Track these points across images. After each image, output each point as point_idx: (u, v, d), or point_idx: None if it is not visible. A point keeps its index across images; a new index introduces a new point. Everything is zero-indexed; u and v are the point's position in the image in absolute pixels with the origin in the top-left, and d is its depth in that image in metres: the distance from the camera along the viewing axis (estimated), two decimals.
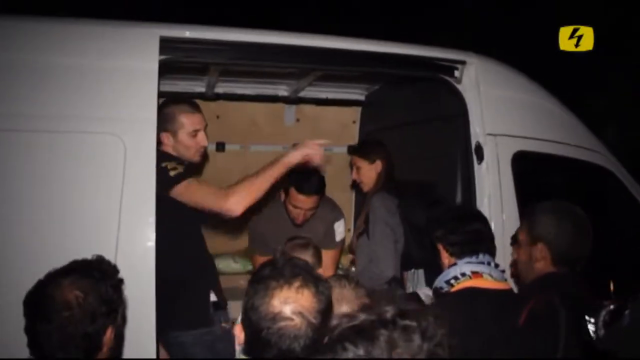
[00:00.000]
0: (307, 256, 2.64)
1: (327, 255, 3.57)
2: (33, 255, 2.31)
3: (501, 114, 3.18)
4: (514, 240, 2.49)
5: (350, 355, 1.08)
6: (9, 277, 2.24)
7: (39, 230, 2.34)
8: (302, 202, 3.36)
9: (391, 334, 1.09)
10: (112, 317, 1.68)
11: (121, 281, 1.76)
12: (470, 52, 3.20)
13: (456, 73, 3.13)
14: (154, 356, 2.40)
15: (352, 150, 3.35)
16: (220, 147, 4.45)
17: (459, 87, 3.13)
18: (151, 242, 2.44)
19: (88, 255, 2.31)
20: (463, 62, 3.13)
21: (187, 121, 2.80)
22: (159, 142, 2.78)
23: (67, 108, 2.44)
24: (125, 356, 2.34)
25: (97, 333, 1.64)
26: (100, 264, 1.76)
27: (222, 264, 4.42)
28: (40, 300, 1.63)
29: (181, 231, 2.73)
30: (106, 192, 2.41)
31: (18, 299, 2.14)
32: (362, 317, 1.15)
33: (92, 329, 1.62)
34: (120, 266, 2.33)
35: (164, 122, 2.75)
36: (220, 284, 3.05)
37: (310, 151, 2.67)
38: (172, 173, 2.62)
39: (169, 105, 2.83)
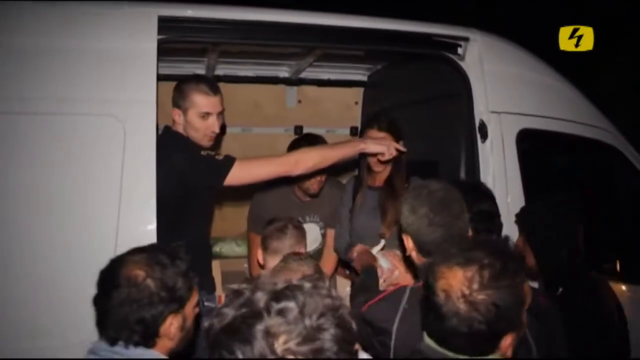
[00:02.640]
0: (285, 239, 2.58)
1: (330, 235, 3.62)
2: (32, 239, 2.30)
3: (505, 91, 3.13)
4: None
5: None
6: (7, 261, 2.25)
7: (38, 214, 2.33)
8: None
9: (267, 324, 0.98)
10: (173, 306, 1.62)
11: (191, 274, 1.70)
12: (474, 29, 3.15)
13: (459, 50, 3.08)
14: None
15: (387, 127, 3.16)
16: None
17: (462, 64, 3.08)
18: (152, 225, 2.42)
19: (88, 238, 2.34)
20: (466, 39, 3.08)
21: (199, 101, 2.66)
22: (173, 121, 2.76)
23: (64, 90, 2.41)
24: None
25: (154, 319, 1.58)
26: (174, 251, 1.70)
27: (225, 248, 4.42)
28: (105, 276, 1.62)
29: (181, 216, 2.69)
30: (106, 175, 2.39)
31: (15, 279, 2.15)
32: (230, 312, 1.02)
33: (149, 314, 1.57)
34: (120, 250, 2.35)
35: (177, 98, 2.70)
36: (210, 267, 3.05)
37: (387, 150, 2.82)
38: (219, 157, 2.61)
39: (186, 82, 2.73)
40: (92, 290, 2.30)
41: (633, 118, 8.34)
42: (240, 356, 0.96)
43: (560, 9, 9.97)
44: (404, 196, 2.10)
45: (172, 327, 1.63)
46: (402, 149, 2.87)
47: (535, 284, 2.64)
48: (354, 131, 4.75)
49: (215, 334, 1.01)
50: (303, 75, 4.24)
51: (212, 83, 2.77)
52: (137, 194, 2.41)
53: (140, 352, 1.58)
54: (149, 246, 1.70)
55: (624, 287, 3.20)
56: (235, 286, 1.09)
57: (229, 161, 2.58)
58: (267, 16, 2.74)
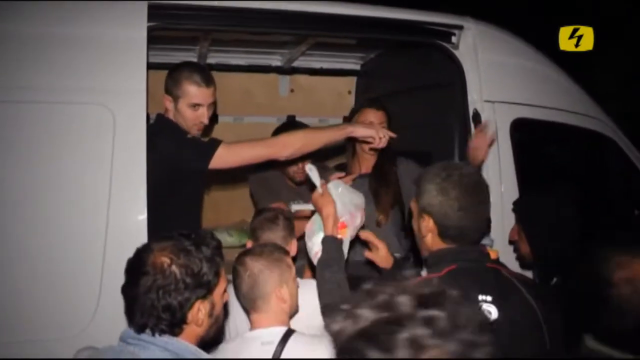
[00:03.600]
0: (277, 230, 2.54)
1: None
2: (21, 229, 2.27)
3: (499, 80, 3.11)
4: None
5: None
6: None
7: (27, 204, 2.29)
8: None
9: (413, 333, 0.84)
10: (199, 291, 1.61)
11: (217, 259, 1.68)
12: (468, 17, 3.12)
13: (453, 39, 3.06)
14: None
15: (383, 107, 3.15)
16: (214, 119, 4.37)
17: (456, 53, 3.06)
18: (143, 215, 2.39)
19: (78, 228, 2.32)
20: (460, 27, 3.05)
21: (191, 92, 2.63)
22: (160, 103, 2.73)
23: (53, 79, 2.37)
24: (120, 324, 2.33)
25: (181, 306, 1.57)
26: (199, 237, 1.69)
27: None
28: (132, 264, 1.61)
29: (171, 204, 2.66)
30: (95, 165, 2.36)
31: (3, 270, 2.12)
32: (368, 314, 0.89)
33: (176, 300, 1.56)
34: (110, 239, 2.33)
35: (170, 85, 2.67)
36: None
37: (375, 134, 2.73)
38: (205, 139, 2.62)
39: (180, 69, 2.68)
40: (83, 279, 2.31)
41: (627, 114, 8.38)
42: None
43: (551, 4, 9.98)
44: (428, 175, 1.91)
45: (200, 313, 1.62)
46: (392, 134, 2.79)
47: (529, 274, 2.64)
48: (347, 120, 4.72)
49: (349, 338, 0.88)
50: (296, 64, 4.21)
51: (206, 74, 2.72)
52: (127, 184, 2.38)
53: (167, 339, 1.58)
54: (175, 233, 1.69)
55: None
56: (367, 285, 0.97)
57: (215, 143, 2.56)
58: (258, 4, 2.70)
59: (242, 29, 2.92)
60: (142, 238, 2.36)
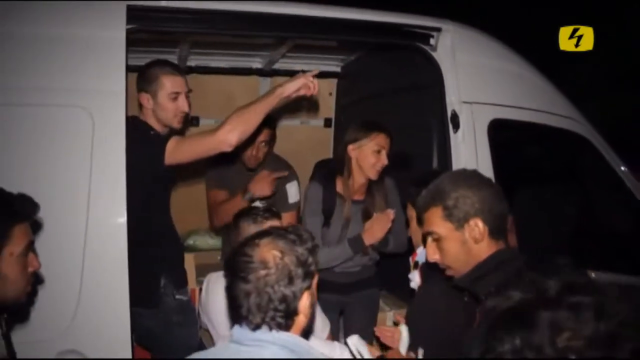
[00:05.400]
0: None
1: (284, 220, 3.36)
2: None
3: (477, 81, 3.15)
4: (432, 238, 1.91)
5: (506, 347, 0.90)
6: None
7: None
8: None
9: (555, 315, 0.90)
10: (307, 281, 1.63)
11: (316, 246, 1.71)
12: (446, 20, 3.15)
13: (431, 41, 3.08)
14: (128, 327, 2.37)
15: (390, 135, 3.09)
16: (195, 121, 4.38)
17: (435, 55, 3.09)
18: (122, 218, 2.39)
19: (57, 230, 2.30)
20: (439, 30, 3.08)
21: (167, 82, 2.70)
22: (139, 106, 2.76)
23: (31, 80, 2.36)
24: (100, 325, 2.33)
25: (295, 296, 1.59)
26: (295, 229, 1.72)
27: (199, 240, 4.39)
28: (239, 260, 1.61)
29: (147, 205, 2.66)
30: (74, 167, 2.35)
31: None
32: (518, 295, 0.95)
33: (290, 291, 1.58)
34: (90, 241, 2.33)
35: (144, 83, 2.71)
36: (182, 261, 3.03)
37: (305, 81, 2.61)
38: (162, 133, 2.66)
39: (150, 66, 2.76)
40: (64, 282, 2.30)
41: (605, 112, 8.52)
42: (518, 341, 0.89)
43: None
44: (448, 186, 1.84)
45: (307, 303, 1.65)
46: (314, 73, 2.70)
47: None
48: (327, 123, 4.75)
49: (498, 314, 0.95)
50: (277, 66, 4.23)
51: (174, 64, 2.86)
52: (106, 186, 2.38)
53: (285, 336, 1.59)
54: (272, 229, 1.73)
55: (593, 275, 3.25)
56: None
57: (166, 138, 2.59)
58: (238, 5, 2.71)
59: (222, 31, 2.92)
60: (122, 239, 2.36)
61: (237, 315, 1.61)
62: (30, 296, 2.05)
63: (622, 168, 3.62)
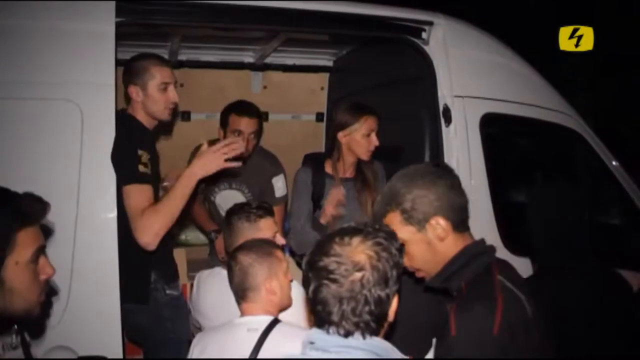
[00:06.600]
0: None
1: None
2: None
3: (469, 75, 3.15)
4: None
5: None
6: None
7: None
8: (244, 125, 3.28)
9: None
10: (398, 283, 1.53)
11: (403, 245, 1.60)
12: (438, 13, 3.15)
13: (423, 34, 3.08)
14: (119, 323, 2.36)
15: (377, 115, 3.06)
16: (186, 116, 4.35)
17: (426, 48, 3.08)
18: (112, 214, 2.38)
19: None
20: (430, 23, 3.08)
21: (157, 73, 2.66)
22: (128, 100, 2.72)
23: (20, 73, 2.34)
24: (90, 322, 2.33)
25: (388, 298, 1.50)
26: (382, 226, 1.62)
27: (191, 236, 4.38)
28: (327, 262, 1.48)
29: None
30: (64, 161, 2.34)
31: None
32: None
33: (385, 293, 1.48)
34: (80, 237, 2.31)
35: (133, 75, 2.66)
36: (171, 256, 2.97)
37: (211, 157, 2.48)
38: (141, 169, 2.45)
39: (137, 59, 2.72)
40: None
41: (592, 104, 8.53)
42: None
43: None
44: (403, 188, 1.79)
45: (395, 306, 1.55)
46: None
47: None
48: (319, 117, 4.74)
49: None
50: (268, 60, 4.21)
51: (159, 55, 2.85)
52: (96, 180, 2.36)
53: (376, 342, 1.49)
54: (360, 224, 1.58)
55: None
56: None
57: (135, 178, 2.43)
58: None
59: (213, 24, 2.90)
60: (112, 234, 2.35)
61: (325, 321, 1.48)
62: (45, 307, 1.91)
63: (614, 163, 3.63)
